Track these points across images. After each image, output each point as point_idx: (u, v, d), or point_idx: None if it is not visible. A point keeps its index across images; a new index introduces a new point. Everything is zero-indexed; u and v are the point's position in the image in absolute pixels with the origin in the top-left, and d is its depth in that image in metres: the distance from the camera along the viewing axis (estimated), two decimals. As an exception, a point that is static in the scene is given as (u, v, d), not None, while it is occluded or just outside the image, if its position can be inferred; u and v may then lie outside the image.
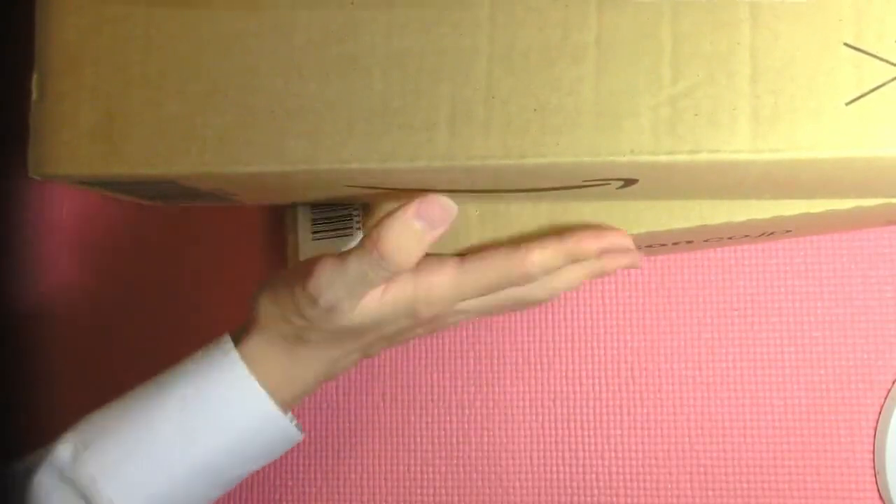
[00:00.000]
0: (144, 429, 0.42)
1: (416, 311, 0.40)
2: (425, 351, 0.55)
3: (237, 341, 0.43)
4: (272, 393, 0.42)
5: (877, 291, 0.52)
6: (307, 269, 0.39)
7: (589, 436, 0.53)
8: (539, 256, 0.39)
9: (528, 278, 0.40)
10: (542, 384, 0.54)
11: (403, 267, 0.37)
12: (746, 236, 0.47)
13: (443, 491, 0.54)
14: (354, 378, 0.56)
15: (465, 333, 0.55)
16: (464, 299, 0.41)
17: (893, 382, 0.51)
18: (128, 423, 0.42)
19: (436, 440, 0.55)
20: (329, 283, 0.38)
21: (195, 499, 0.43)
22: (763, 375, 0.52)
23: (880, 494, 0.50)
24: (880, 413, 0.51)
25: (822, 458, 0.51)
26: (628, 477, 0.53)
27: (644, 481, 0.52)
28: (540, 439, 0.54)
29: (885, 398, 0.51)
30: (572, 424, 0.54)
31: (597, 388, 0.54)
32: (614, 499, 0.53)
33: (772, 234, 0.48)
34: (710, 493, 0.52)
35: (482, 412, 0.54)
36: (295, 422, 0.44)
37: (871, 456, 0.51)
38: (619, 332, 0.54)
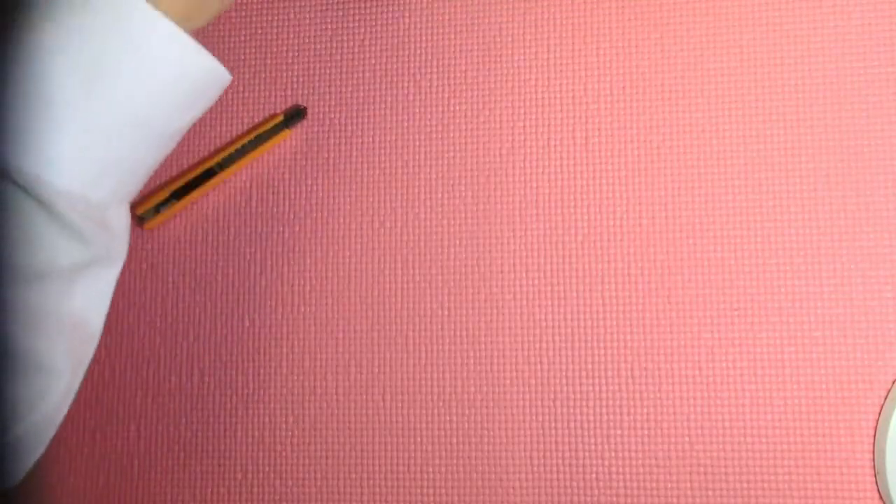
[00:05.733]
0: (37, 95, 0.35)
1: None
2: (425, 351, 0.55)
3: None
4: (182, 20, 0.37)
5: (877, 291, 0.52)
6: None
7: (589, 436, 0.53)
8: None
9: None
10: (542, 384, 0.54)
11: None
12: None
13: (443, 491, 0.54)
14: (354, 378, 0.56)
15: (464, 333, 0.55)
16: None
17: (893, 382, 0.51)
18: (13, 95, 0.35)
19: (436, 440, 0.55)
20: None
21: (135, 157, 0.38)
22: (763, 375, 0.52)
23: (880, 494, 0.50)
24: (880, 413, 0.51)
25: (822, 458, 0.51)
26: (628, 477, 0.53)
27: (644, 481, 0.52)
28: (540, 439, 0.54)
29: (885, 398, 0.51)
30: (572, 424, 0.54)
31: (597, 388, 0.54)
32: (614, 499, 0.53)
33: None
34: (710, 493, 0.52)
35: (482, 412, 0.54)
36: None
37: (871, 456, 0.51)
38: (619, 332, 0.54)
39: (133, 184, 0.40)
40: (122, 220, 0.41)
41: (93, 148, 0.37)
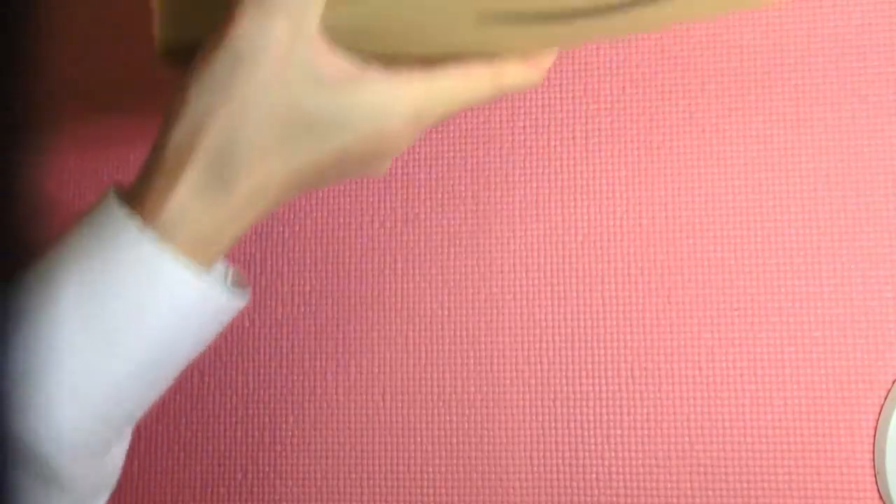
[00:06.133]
0: (44, 345, 0.32)
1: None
2: (425, 350, 0.55)
3: (137, 196, 0.34)
4: (203, 258, 0.35)
5: (877, 291, 0.52)
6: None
7: (589, 436, 0.53)
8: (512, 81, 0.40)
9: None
10: (542, 384, 0.54)
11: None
12: None
13: (443, 491, 0.54)
14: (354, 378, 0.56)
15: (464, 333, 0.55)
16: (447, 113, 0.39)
17: (893, 382, 0.51)
18: (20, 341, 0.33)
19: (436, 440, 0.55)
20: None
21: (140, 396, 0.36)
22: (763, 375, 0.52)
23: (880, 494, 0.50)
24: (880, 413, 0.51)
25: (822, 458, 0.51)
26: (628, 477, 0.53)
27: (644, 481, 0.52)
28: (540, 439, 0.54)
29: (885, 398, 0.51)
30: (572, 424, 0.54)
31: (597, 388, 0.54)
32: (614, 499, 0.53)
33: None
34: (710, 493, 0.52)
35: (482, 412, 0.54)
36: (230, 277, 0.37)
37: (871, 456, 0.51)
38: (619, 332, 0.54)
39: (140, 415, 0.38)
40: (121, 453, 0.38)
41: (106, 403, 0.34)
